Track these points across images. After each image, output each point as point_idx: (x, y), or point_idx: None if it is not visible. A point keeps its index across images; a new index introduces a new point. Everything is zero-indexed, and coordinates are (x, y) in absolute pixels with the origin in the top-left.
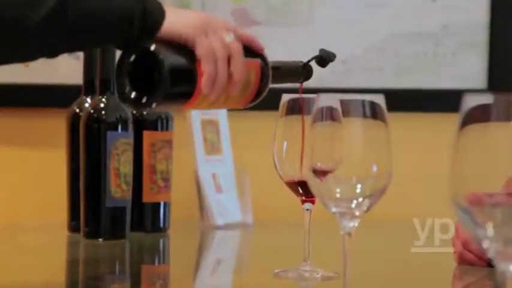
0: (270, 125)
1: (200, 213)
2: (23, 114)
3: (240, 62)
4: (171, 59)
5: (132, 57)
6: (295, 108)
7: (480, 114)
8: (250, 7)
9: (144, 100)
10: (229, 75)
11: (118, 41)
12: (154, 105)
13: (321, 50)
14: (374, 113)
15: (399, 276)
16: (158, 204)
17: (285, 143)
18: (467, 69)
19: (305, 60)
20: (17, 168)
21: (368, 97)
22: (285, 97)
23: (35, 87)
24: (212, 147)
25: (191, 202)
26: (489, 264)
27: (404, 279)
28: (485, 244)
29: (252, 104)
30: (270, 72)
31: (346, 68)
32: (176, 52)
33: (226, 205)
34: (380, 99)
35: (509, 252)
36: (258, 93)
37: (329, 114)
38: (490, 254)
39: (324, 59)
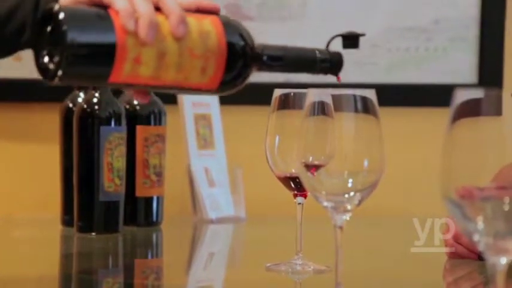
0: (263, 120)
1: (193, 207)
2: (16, 108)
3: (168, 1)
4: (72, 12)
5: (41, 25)
6: (287, 103)
7: (471, 109)
8: (243, 2)
9: (56, 65)
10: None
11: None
12: (65, 68)
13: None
14: (366, 107)
15: (391, 270)
16: (151, 198)
17: (277, 138)
18: (458, 64)
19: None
20: (10, 163)
21: (360, 92)
22: (277, 92)
23: (28, 81)
24: (205, 142)
25: (184, 196)
26: (480, 257)
27: (396, 274)
28: (476, 237)
29: (231, 82)
30: (248, 42)
31: None
32: (83, 8)
33: (219, 199)
34: (372, 94)
35: (499, 246)
36: (233, 57)
37: (321, 108)
38: (481, 247)
39: (348, 36)
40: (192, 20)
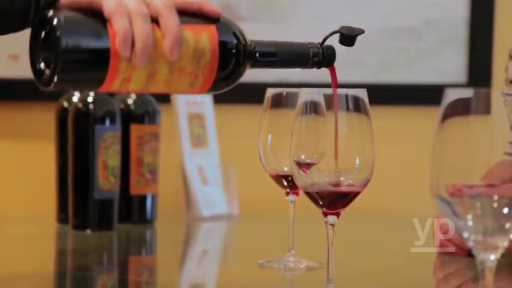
0: (255, 119)
1: (186, 204)
2: (12, 107)
3: (168, 16)
4: (70, 22)
5: (35, 29)
6: (280, 102)
7: (460, 108)
8: (235, 2)
9: (49, 75)
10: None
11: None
12: (57, 80)
13: (341, 27)
14: (357, 106)
15: (384, 268)
16: (145, 196)
17: (270, 136)
18: (448, 64)
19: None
20: (6, 161)
21: (351, 91)
22: (270, 91)
23: (23, 81)
24: (198, 141)
25: (178, 194)
26: (469, 254)
27: (388, 271)
28: (465, 234)
29: (222, 87)
30: (242, 48)
31: None
32: (81, 18)
33: (212, 197)
34: (363, 93)
35: (488, 242)
36: (224, 70)
37: (313, 108)
38: (470, 244)
39: (346, 35)
40: (190, 35)
